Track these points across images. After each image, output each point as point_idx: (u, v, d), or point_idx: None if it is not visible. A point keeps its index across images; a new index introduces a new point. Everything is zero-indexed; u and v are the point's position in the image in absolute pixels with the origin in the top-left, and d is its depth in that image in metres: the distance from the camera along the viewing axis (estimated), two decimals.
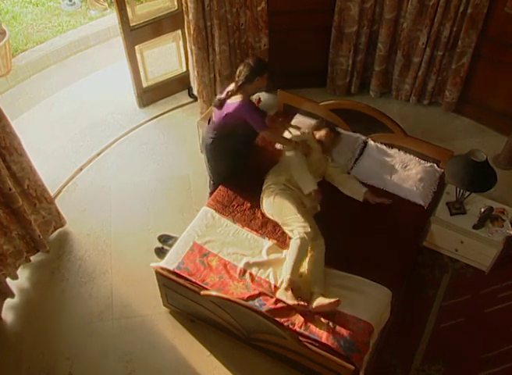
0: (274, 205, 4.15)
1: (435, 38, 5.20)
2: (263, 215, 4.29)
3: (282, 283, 3.82)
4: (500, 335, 4.19)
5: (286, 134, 4.53)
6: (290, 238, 3.99)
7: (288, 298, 3.71)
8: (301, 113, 5.01)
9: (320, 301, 3.67)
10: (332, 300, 3.63)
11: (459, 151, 4.55)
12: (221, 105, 4.12)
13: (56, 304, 4.40)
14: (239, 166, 4.55)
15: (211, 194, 4.56)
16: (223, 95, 4.13)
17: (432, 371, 4.00)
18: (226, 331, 4.03)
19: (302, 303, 3.66)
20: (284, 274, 3.81)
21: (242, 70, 4.04)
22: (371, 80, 5.83)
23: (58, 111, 5.89)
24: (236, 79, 4.08)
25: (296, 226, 3.95)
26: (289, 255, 3.85)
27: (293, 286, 3.76)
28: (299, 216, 4.00)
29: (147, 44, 5.49)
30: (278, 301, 3.75)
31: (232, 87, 4.10)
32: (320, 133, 4.54)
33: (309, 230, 3.90)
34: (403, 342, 4.14)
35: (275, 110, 5.24)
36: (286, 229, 4.10)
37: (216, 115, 4.22)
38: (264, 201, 4.26)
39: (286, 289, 3.74)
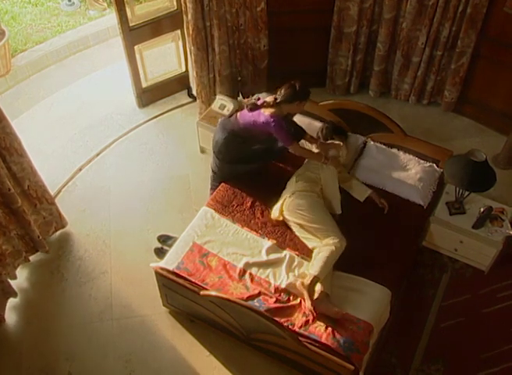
0: (314, 211, 4.09)
1: (435, 38, 5.20)
2: (263, 215, 4.29)
3: (300, 276, 3.84)
4: (500, 335, 4.19)
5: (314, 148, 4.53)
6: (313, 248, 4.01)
7: (303, 295, 3.72)
8: (300, 113, 4.99)
9: (327, 303, 3.67)
10: (340, 310, 3.64)
11: (458, 151, 4.55)
12: (252, 109, 4.11)
13: (56, 304, 4.40)
14: (242, 173, 4.52)
15: (212, 191, 4.56)
16: (259, 102, 4.14)
17: (432, 371, 4.01)
18: (226, 331, 4.03)
19: (311, 308, 3.67)
20: (311, 270, 3.79)
21: (285, 89, 4.05)
22: (370, 80, 5.84)
23: (57, 111, 5.89)
24: (277, 95, 4.08)
25: (333, 236, 3.94)
26: (323, 256, 3.83)
27: (312, 287, 3.74)
28: (337, 228, 4.02)
29: (147, 45, 5.49)
30: (277, 301, 3.76)
31: (269, 99, 4.11)
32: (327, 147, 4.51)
33: (345, 242, 3.93)
34: (403, 342, 4.14)
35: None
36: (312, 236, 4.05)
37: (243, 116, 4.22)
38: (296, 204, 4.13)
39: (306, 285, 3.72)
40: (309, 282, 3.73)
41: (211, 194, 4.54)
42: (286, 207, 4.16)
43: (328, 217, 4.08)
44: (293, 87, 4.04)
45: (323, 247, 3.90)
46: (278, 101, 4.06)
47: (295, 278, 3.83)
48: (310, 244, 4.03)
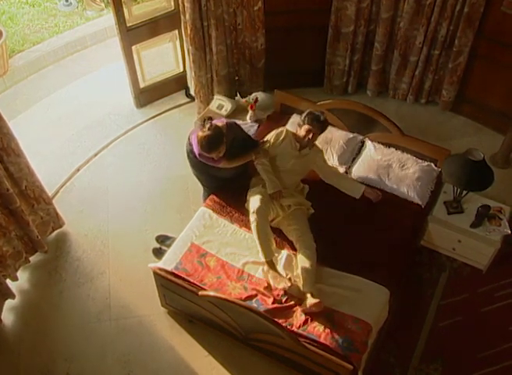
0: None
1: (432, 37, 5.20)
2: None
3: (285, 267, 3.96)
4: (498, 334, 4.20)
5: None
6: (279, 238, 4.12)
7: (271, 279, 3.85)
8: (298, 113, 4.99)
9: (309, 301, 3.70)
10: (315, 301, 3.66)
11: (456, 151, 4.55)
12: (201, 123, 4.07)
13: (54, 305, 4.39)
14: (221, 183, 4.46)
15: (204, 200, 4.53)
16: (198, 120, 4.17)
17: (430, 370, 4.01)
18: (224, 331, 4.03)
19: (287, 284, 3.79)
20: (305, 288, 3.83)
21: (201, 137, 3.96)
22: (368, 80, 5.84)
23: (55, 111, 5.89)
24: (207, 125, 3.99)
25: (311, 243, 3.99)
26: (307, 271, 3.87)
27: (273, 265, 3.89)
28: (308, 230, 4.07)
29: (144, 45, 5.48)
30: (276, 301, 3.76)
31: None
32: (300, 132, 4.30)
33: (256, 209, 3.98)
34: (402, 341, 4.15)
35: (272, 110, 5.24)
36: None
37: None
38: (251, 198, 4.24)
39: (267, 270, 3.88)
40: (266, 268, 3.88)
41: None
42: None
43: (253, 199, 4.16)
44: (204, 137, 3.94)
45: (303, 261, 3.91)
46: (206, 124, 3.99)
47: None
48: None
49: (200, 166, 4.29)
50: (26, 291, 4.48)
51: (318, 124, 4.26)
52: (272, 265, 3.90)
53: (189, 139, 4.25)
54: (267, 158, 4.23)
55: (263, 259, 3.91)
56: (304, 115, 4.32)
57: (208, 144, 3.95)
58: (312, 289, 3.78)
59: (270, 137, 4.37)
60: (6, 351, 4.14)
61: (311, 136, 4.24)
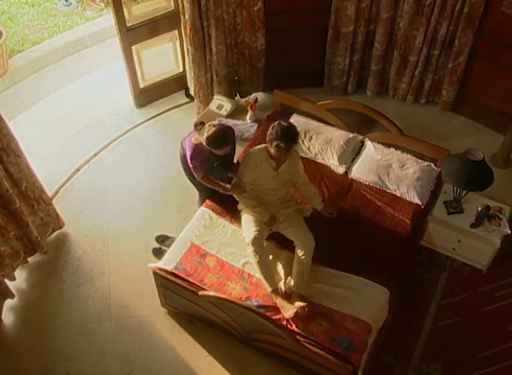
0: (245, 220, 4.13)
1: (432, 37, 5.21)
2: None
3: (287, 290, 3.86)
4: (498, 334, 4.20)
5: None
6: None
7: (280, 307, 3.74)
8: (298, 113, 5.00)
9: (296, 304, 3.69)
10: (301, 304, 3.64)
11: (456, 151, 4.55)
12: (195, 130, 4.06)
13: (54, 305, 4.39)
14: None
15: (199, 205, 4.49)
16: (197, 122, 4.06)
17: (430, 370, 4.01)
18: (224, 331, 4.03)
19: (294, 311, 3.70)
20: (298, 290, 3.81)
21: (208, 134, 3.83)
22: (367, 80, 5.84)
23: (55, 112, 5.89)
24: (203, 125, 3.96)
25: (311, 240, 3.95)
26: (302, 271, 3.86)
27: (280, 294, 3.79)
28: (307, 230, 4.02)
29: (144, 45, 5.48)
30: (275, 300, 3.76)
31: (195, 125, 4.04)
32: (272, 151, 3.88)
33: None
34: (401, 341, 4.15)
35: (272, 110, 5.24)
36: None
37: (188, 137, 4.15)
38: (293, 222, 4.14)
39: (275, 298, 3.77)
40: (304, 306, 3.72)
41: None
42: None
43: (247, 224, 4.08)
44: (207, 137, 3.84)
45: (299, 262, 3.89)
46: (199, 129, 3.96)
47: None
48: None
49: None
50: (27, 291, 4.48)
51: (287, 137, 3.78)
52: (276, 294, 3.79)
53: (182, 144, 4.23)
54: (243, 192, 4.09)
55: (268, 289, 3.80)
56: (270, 129, 3.84)
57: (219, 138, 3.83)
58: (303, 291, 3.78)
59: (243, 168, 4.06)
60: (6, 351, 4.14)
61: (282, 153, 3.83)
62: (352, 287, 3.85)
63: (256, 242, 3.89)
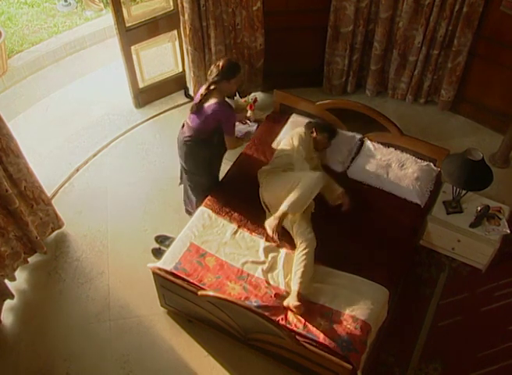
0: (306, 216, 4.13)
1: (431, 37, 5.21)
2: (259, 214, 4.27)
3: (286, 290, 3.84)
4: (497, 333, 4.20)
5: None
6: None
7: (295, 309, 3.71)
8: (297, 113, 5.00)
9: (292, 302, 3.68)
10: (296, 304, 3.64)
11: (455, 150, 4.55)
12: (198, 109, 4.04)
13: (53, 305, 4.39)
14: (216, 178, 4.45)
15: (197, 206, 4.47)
16: (197, 100, 4.05)
17: (430, 370, 4.01)
18: (224, 331, 4.03)
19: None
20: (297, 288, 3.78)
21: (212, 72, 3.98)
22: (367, 80, 5.84)
23: (54, 112, 5.89)
24: (207, 81, 4.01)
25: (311, 236, 3.96)
26: (300, 272, 3.82)
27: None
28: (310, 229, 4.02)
29: (143, 45, 5.48)
30: (275, 300, 3.76)
31: (203, 90, 4.02)
32: (318, 136, 4.52)
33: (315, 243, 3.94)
34: (401, 341, 4.15)
35: (271, 110, 5.24)
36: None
37: (193, 120, 4.12)
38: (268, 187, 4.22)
39: (299, 301, 3.72)
40: (297, 301, 3.71)
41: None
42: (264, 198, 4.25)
43: (306, 220, 4.08)
44: (217, 67, 3.96)
45: (299, 261, 3.88)
46: (209, 86, 3.98)
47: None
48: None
49: (198, 153, 4.22)
50: (26, 291, 4.48)
51: (333, 134, 4.63)
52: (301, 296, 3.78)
53: (186, 128, 4.20)
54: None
55: (296, 290, 3.75)
56: (321, 123, 4.64)
57: (233, 64, 4.00)
58: (304, 290, 3.77)
59: (303, 144, 4.35)
60: (6, 352, 4.14)
61: (326, 142, 4.59)
62: (351, 286, 3.85)
63: (315, 242, 3.95)
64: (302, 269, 3.82)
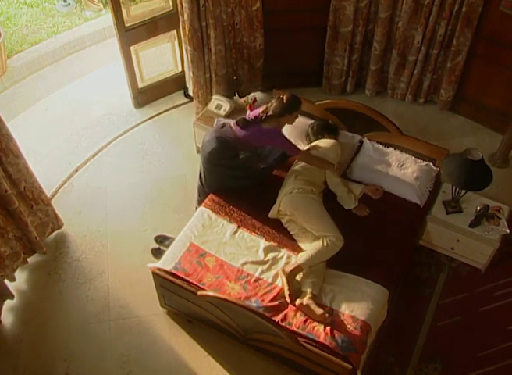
0: (310, 211, 4.10)
1: (431, 37, 5.21)
2: (259, 214, 4.28)
3: (286, 264, 3.90)
4: (497, 333, 4.20)
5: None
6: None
7: (284, 279, 3.78)
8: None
9: (312, 306, 3.67)
10: (325, 313, 3.63)
11: (455, 150, 4.55)
12: (245, 126, 4.15)
13: (53, 305, 4.39)
14: (231, 186, 4.45)
15: (199, 203, 4.51)
16: (250, 117, 4.17)
17: (429, 369, 4.01)
18: (224, 331, 4.03)
19: (287, 297, 3.74)
20: (297, 259, 3.86)
21: (274, 103, 4.09)
22: (366, 79, 5.84)
23: (53, 112, 5.89)
24: (268, 109, 4.10)
25: (332, 234, 3.94)
26: (312, 249, 3.88)
27: (295, 274, 3.81)
28: (335, 227, 4.01)
29: (143, 45, 5.48)
30: (275, 300, 3.76)
31: (260, 113, 4.12)
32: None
33: (343, 241, 3.93)
34: (401, 341, 4.15)
35: None
36: (302, 231, 4.10)
37: (237, 130, 4.19)
38: (294, 202, 4.15)
39: (286, 272, 3.79)
40: (290, 269, 3.79)
41: (198, 205, 4.51)
42: (284, 204, 4.16)
43: (325, 217, 4.07)
44: (281, 101, 4.08)
45: (317, 240, 3.93)
46: (268, 114, 4.09)
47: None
48: (304, 247, 4.04)
49: (220, 163, 4.29)
50: (26, 291, 4.48)
51: (332, 133, 4.65)
52: (297, 271, 3.84)
53: (217, 138, 4.22)
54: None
55: (299, 262, 3.84)
56: (312, 128, 4.69)
57: (296, 100, 4.14)
58: (316, 291, 3.77)
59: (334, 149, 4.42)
60: (6, 352, 4.14)
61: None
62: (351, 286, 3.85)
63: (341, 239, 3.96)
64: (314, 273, 3.86)
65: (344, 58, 5.60)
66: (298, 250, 4.05)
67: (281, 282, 3.82)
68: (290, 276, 3.80)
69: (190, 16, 4.86)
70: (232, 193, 4.41)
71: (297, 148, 4.22)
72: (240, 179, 4.40)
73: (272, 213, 4.25)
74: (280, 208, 4.20)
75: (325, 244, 3.89)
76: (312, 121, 4.81)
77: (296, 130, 4.70)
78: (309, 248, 3.93)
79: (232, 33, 5.23)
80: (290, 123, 4.25)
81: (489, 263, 4.45)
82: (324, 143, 4.45)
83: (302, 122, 4.78)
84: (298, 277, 3.86)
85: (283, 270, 3.82)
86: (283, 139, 4.16)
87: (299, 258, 3.87)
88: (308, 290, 3.76)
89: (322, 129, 4.64)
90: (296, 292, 3.78)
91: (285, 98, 4.09)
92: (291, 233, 4.16)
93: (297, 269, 3.82)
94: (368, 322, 3.67)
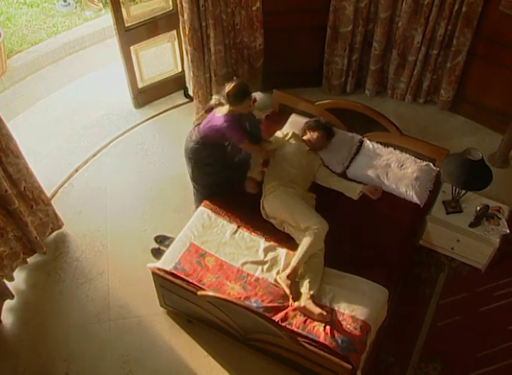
0: (287, 206, 4.13)
1: (430, 37, 5.21)
2: (259, 215, 4.28)
3: (285, 267, 3.89)
4: (497, 333, 4.20)
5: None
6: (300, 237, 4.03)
7: (284, 286, 3.77)
8: (297, 113, 5.00)
9: (310, 306, 3.67)
10: (323, 312, 3.63)
11: (454, 150, 4.55)
12: (208, 110, 4.16)
13: (53, 305, 4.39)
14: (226, 182, 4.43)
15: (196, 208, 4.50)
16: (213, 102, 4.17)
17: (429, 369, 4.01)
18: (224, 331, 4.03)
19: (292, 302, 3.73)
20: (292, 261, 3.86)
21: (228, 90, 3.98)
22: (366, 79, 5.84)
23: (53, 112, 5.88)
24: (223, 95, 4.03)
25: (313, 222, 3.96)
26: (302, 246, 3.90)
27: (293, 276, 3.81)
28: (314, 211, 4.04)
29: (143, 45, 5.48)
30: (275, 300, 3.76)
31: (215, 101, 4.13)
32: (312, 134, 4.61)
33: (327, 225, 3.95)
34: (400, 341, 4.15)
35: (270, 110, 5.24)
36: (296, 228, 4.09)
37: (203, 121, 4.22)
38: (268, 203, 4.23)
39: (288, 276, 3.79)
40: (287, 275, 3.80)
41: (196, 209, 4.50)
42: (264, 209, 4.25)
43: (302, 206, 4.11)
44: (234, 87, 3.98)
45: (304, 238, 3.95)
46: (218, 103, 4.09)
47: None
48: (298, 241, 4.05)
49: (202, 161, 4.28)
50: (26, 291, 4.48)
51: (327, 131, 4.66)
52: (295, 273, 3.84)
53: (192, 135, 4.26)
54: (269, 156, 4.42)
55: (294, 264, 3.84)
56: (311, 122, 4.69)
57: (240, 91, 3.97)
58: (314, 291, 3.77)
59: (279, 133, 4.61)
60: (5, 352, 4.14)
61: (325, 140, 4.62)
62: (351, 286, 3.85)
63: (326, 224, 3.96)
64: (313, 273, 3.86)
65: (344, 58, 5.60)
66: (297, 249, 4.05)
67: (285, 288, 3.80)
68: (290, 281, 3.79)
69: (190, 16, 4.86)
70: (232, 193, 4.41)
71: (242, 138, 4.12)
72: (219, 174, 4.37)
73: (265, 217, 4.28)
74: (266, 213, 4.24)
75: (312, 234, 3.91)
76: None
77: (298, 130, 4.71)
78: (299, 248, 3.93)
79: (232, 33, 5.23)
80: (244, 111, 4.13)
81: (489, 263, 4.45)
82: (280, 132, 4.60)
83: (303, 122, 4.79)
84: (297, 278, 3.87)
85: (281, 277, 3.82)
86: (230, 126, 4.04)
87: (293, 261, 3.87)
88: (306, 291, 3.76)
89: (315, 126, 4.64)
90: (297, 293, 3.78)
91: (228, 89, 3.97)
92: (287, 232, 4.16)
93: (294, 272, 3.82)
94: (368, 322, 3.67)
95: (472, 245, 4.40)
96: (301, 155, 4.45)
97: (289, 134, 4.60)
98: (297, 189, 4.26)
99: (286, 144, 4.51)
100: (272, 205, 4.21)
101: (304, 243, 3.91)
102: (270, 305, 3.73)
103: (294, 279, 3.82)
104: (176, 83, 5.96)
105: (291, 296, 3.75)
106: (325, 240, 4.00)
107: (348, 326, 3.63)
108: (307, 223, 3.98)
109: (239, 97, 4.01)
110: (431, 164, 4.63)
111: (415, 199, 4.43)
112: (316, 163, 4.54)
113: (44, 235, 4.67)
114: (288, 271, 3.82)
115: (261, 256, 4.02)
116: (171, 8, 5.30)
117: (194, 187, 4.55)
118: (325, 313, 3.62)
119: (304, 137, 4.62)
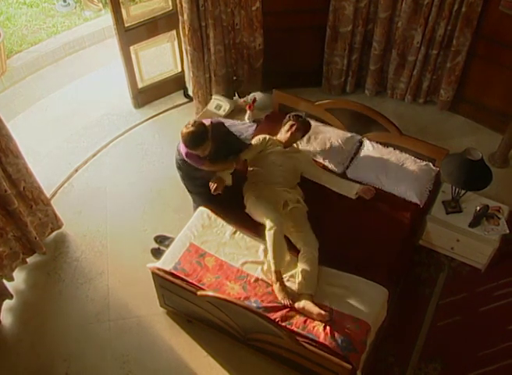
0: (251, 207, 4.21)
1: (430, 37, 5.21)
2: None
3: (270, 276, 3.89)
4: (497, 333, 4.20)
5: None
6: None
7: (280, 299, 3.75)
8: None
9: (308, 306, 3.68)
10: (321, 312, 3.63)
11: (454, 150, 4.55)
12: None
13: (53, 305, 4.39)
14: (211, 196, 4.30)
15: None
16: None
17: (429, 369, 4.01)
18: (223, 331, 4.03)
19: (287, 302, 3.72)
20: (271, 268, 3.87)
21: (183, 132, 3.88)
22: (366, 79, 5.84)
23: (53, 112, 5.88)
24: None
25: (266, 219, 3.98)
26: (268, 248, 3.92)
27: (279, 275, 3.83)
28: (268, 209, 4.04)
29: (142, 45, 5.48)
30: (274, 300, 3.76)
31: None
32: (284, 129, 4.53)
33: (280, 224, 3.94)
34: (400, 341, 4.15)
35: (270, 110, 5.24)
36: (293, 233, 4.12)
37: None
38: (246, 204, 4.29)
39: (275, 282, 3.80)
40: (274, 279, 3.82)
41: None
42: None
43: (259, 205, 4.13)
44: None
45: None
46: None
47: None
48: (298, 245, 4.06)
49: (190, 174, 4.29)
50: (25, 291, 4.48)
51: (301, 121, 4.52)
52: (279, 276, 3.83)
53: (178, 149, 4.22)
54: (244, 166, 4.40)
55: (273, 268, 3.83)
56: (287, 117, 4.58)
57: (192, 140, 3.85)
58: (312, 290, 3.78)
59: (255, 141, 4.48)
60: (5, 352, 4.14)
61: (293, 129, 4.46)
62: (351, 286, 3.85)
63: (279, 220, 3.95)
64: (307, 272, 3.85)
65: (344, 58, 5.60)
66: (296, 249, 4.05)
67: (277, 293, 3.80)
68: (278, 279, 3.80)
69: (190, 16, 4.86)
70: (232, 193, 4.41)
71: (200, 163, 4.07)
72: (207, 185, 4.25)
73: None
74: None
75: (267, 229, 3.93)
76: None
77: None
78: (307, 276, 3.88)
79: (232, 33, 5.23)
80: (202, 155, 4.02)
81: (489, 263, 4.45)
82: (255, 140, 4.50)
83: None
84: (290, 284, 3.87)
85: (275, 290, 3.80)
86: (187, 155, 4.01)
87: (268, 261, 3.91)
88: (303, 291, 3.77)
89: (285, 122, 4.57)
90: (295, 298, 3.78)
91: (183, 130, 3.86)
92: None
93: (276, 271, 3.83)
94: (368, 322, 3.67)
95: (472, 245, 4.40)
96: (280, 155, 4.41)
97: (266, 138, 4.49)
98: (278, 187, 4.26)
99: (268, 148, 4.45)
100: (248, 210, 4.24)
101: (267, 242, 3.93)
102: (270, 305, 3.73)
103: (281, 278, 3.83)
104: (176, 84, 5.96)
105: (289, 304, 3.73)
106: (325, 240, 4.00)
107: (348, 326, 3.63)
108: (263, 219, 4.02)
109: (191, 145, 3.89)
110: (430, 164, 4.63)
111: (415, 199, 4.43)
112: (298, 160, 4.47)
113: (44, 235, 4.67)
114: (269, 272, 3.86)
115: (260, 256, 4.02)
116: (171, 8, 5.31)
117: (189, 194, 4.56)
118: (324, 313, 3.62)
119: (278, 136, 4.55)
